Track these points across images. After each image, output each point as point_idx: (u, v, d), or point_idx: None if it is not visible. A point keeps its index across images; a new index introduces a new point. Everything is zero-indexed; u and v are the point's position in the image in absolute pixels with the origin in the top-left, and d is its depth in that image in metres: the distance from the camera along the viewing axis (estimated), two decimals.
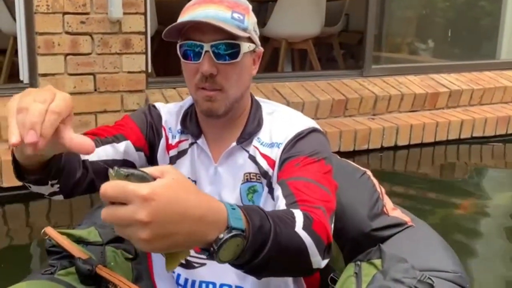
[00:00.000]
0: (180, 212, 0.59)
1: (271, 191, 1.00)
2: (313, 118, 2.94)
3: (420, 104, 3.29)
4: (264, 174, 1.02)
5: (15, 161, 0.82)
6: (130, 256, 1.18)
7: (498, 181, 2.87)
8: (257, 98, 1.10)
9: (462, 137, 3.20)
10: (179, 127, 1.09)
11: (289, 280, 1.03)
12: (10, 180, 2.24)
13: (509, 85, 3.56)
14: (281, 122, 1.04)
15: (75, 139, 0.68)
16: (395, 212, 1.25)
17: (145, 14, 2.66)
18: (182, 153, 1.08)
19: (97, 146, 0.96)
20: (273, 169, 1.00)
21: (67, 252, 1.13)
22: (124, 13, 2.54)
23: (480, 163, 3.14)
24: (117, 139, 1.02)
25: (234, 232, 0.64)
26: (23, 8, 2.55)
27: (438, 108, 3.33)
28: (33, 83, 2.59)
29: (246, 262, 0.70)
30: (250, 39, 0.98)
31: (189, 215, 0.60)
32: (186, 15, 0.98)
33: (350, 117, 3.06)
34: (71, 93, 2.48)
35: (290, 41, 3.55)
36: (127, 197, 0.57)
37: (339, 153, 2.82)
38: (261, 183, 1.03)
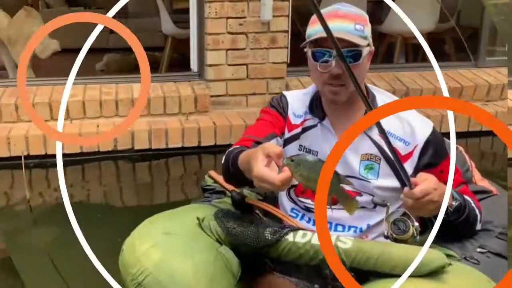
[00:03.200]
0: (441, 192, 1.14)
1: (394, 172, 1.25)
2: None
3: None
4: (388, 159, 1.25)
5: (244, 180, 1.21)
6: (261, 198, 1.46)
7: None
8: (368, 85, 1.32)
9: None
10: (304, 109, 1.34)
11: None
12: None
13: None
14: (405, 119, 1.25)
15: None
16: (483, 182, 1.51)
17: (288, 16, 3.18)
18: (306, 129, 1.33)
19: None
20: (404, 161, 1.21)
21: (224, 188, 1.44)
22: (273, 16, 3.08)
23: None
24: (267, 139, 1.29)
25: (457, 202, 1.19)
26: (196, 15, 3.22)
27: None
28: (201, 72, 3.27)
29: (447, 217, 1.18)
30: (368, 44, 1.22)
31: (442, 189, 1.14)
32: (316, 27, 1.20)
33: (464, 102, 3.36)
34: (229, 80, 3.18)
35: (406, 36, 3.88)
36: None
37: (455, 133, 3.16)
38: (378, 163, 1.26)
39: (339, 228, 1.32)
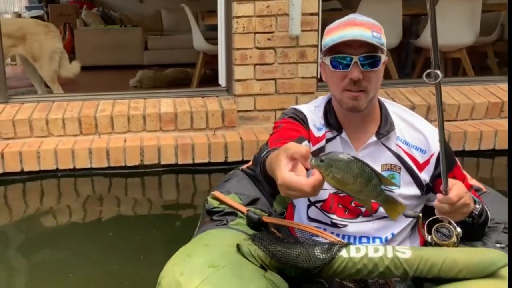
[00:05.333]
0: (469, 195, 1.18)
1: (413, 180, 1.28)
2: (468, 119, 3.14)
3: None
4: (407, 168, 1.28)
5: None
6: (266, 214, 1.42)
7: None
8: (379, 97, 1.33)
9: None
10: (322, 121, 1.33)
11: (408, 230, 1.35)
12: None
13: None
14: (418, 129, 1.29)
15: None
16: (472, 181, 1.54)
17: (317, 30, 3.13)
18: (328, 141, 1.33)
19: None
20: (419, 171, 1.27)
21: (235, 208, 1.39)
22: (302, 31, 3.04)
23: None
24: (300, 141, 1.26)
25: (480, 205, 1.23)
26: (224, 30, 3.23)
27: None
28: (229, 87, 3.25)
29: (472, 220, 1.22)
30: (383, 52, 1.24)
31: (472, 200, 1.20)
32: (334, 35, 1.22)
33: (505, 118, 3.16)
34: (257, 95, 3.14)
35: (444, 50, 3.76)
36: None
37: (494, 150, 2.99)
38: (399, 173, 1.29)
39: (364, 240, 1.31)
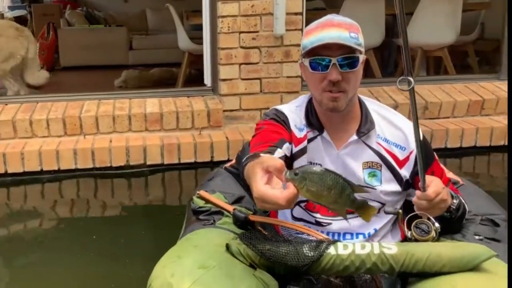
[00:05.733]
0: (447, 191, 1.22)
1: (394, 177, 1.31)
2: (450, 117, 3.19)
3: None
4: (388, 165, 1.31)
5: None
6: (251, 213, 1.43)
7: None
8: (358, 95, 1.35)
9: None
10: (304, 121, 1.34)
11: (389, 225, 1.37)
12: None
13: None
14: (397, 126, 1.31)
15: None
16: (450, 174, 1.60)
17: (302, 30, 3.13)
18: (310, 141, 1.33)
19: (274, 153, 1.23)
20: (400, 167, 1.29)
21: (221, 208, 1.41)
22: (287, 30, 3.06)
23: None
24: (281, 144, 1.27)
25: (457, 200, 1.27)
26: (209, 30, 3.24)
27: None
28: (214, 86, 3.27)
29: (450, 215, 1.25)
30: (361, 52, 1.24)
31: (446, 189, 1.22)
32: (312, 37, 1.23)
33: (486, 116, 3.23)
34: (242, 94, 3.15)
35: (426, 49, 3.81)
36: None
37: (475, 147, 3.06)
38: (380, 170, 1.31)
39: (348, 236, 1.34)
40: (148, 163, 2.86)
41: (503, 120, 3.16)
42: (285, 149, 1.27)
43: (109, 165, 2.82)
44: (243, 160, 1.20)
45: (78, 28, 6.20)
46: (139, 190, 2.77)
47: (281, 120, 1.34)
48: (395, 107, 3.09)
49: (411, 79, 1.11)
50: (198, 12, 3.36)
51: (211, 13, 3.17)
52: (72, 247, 2.10)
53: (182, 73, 4.21)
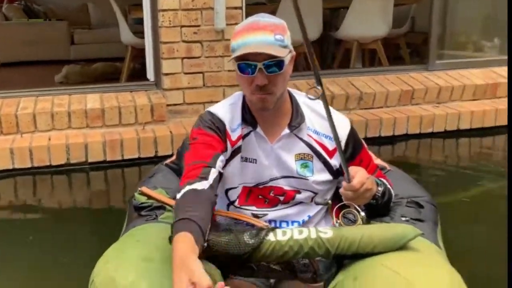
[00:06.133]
0: (372, 180, 1.29)
1: (325, 166, 1.36)
2: (383, 107, 3.37)
3: (481, 93, 3.56)
4: (319, 156, 1.35)
5: None
6: None
7: None
8: (289, 89, 1.38)
9: None
10: (238, 121, 1.34)
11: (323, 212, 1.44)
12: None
13: None
14: (324, 117, 1.29)
15: None
16: (378, 161, 1.69)
17: None
18: (244, 137, 1.35)
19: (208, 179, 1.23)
20: (330, 157, 1.34)
21: (163, 202, 1.42)
22: (227, 24, 3.10)
23: None
24: (214, 162, 1.27)
25: (382, 187, 1.34)
26: (150, 24, 3.22)
27: (499, 97, 3.57)
28: (157, 81, 3.25)
29: (376, 201, 1.32)
30: (289, 51, 1.26)
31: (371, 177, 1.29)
32: (239, 40, 1.24)
33: (416, 105, 3.42)
34: (185, 88, 3.18)
35: (361, 42, 3.98)
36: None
37: (406, 135, 3.25)
38: (312, 161, 1.35)
39: (284, 224, 1.40)
40: (90, 160, 2.83)
41: (431, 109, 3.38)
42: (219, 165, 1.29)
43: (48, 163, 2.77)
44: (174, 218, 1.15)
45: (16, 23, 5.94)
46: (81, 189, 2.73)
47: (216, 127, 1.35)
48: (332, 98, 3.23)
49: (319, 88, 1.18)
50: (140, 6, 3.34)
51: (152, 7, 3.16)
52: (10, 247, 2.06)
53: (126, 68, 4.16)
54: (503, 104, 3.48)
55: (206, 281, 0.96)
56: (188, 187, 1.20)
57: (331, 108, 1.40)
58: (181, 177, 1.27)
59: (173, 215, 1.18)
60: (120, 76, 4.22)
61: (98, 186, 2.79)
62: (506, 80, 3.61)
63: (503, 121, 3.39)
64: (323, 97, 1.20)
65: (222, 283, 1.00)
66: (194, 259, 1.01)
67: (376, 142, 3.10)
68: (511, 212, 1.44)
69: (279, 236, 1.19)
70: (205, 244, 1.13)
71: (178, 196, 1.20)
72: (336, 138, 1.25)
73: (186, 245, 1.04)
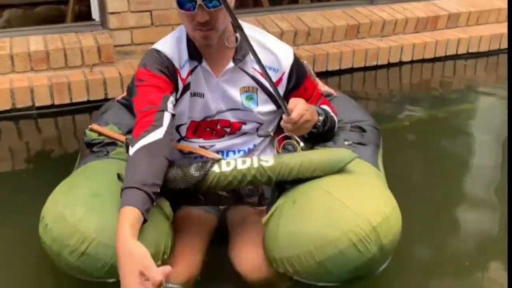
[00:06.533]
0: (311, 110, 1.33)
1: (269, 98, 1.41)
2: (330, 41, 3.42)
3: (422, 26, 3.67)
4: (263, 88, 1.39)
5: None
6: None
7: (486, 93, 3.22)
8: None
9: (459, 53, 3.61)
10: (185, 56, 1.34)
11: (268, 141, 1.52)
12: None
13: (504, 6, 3.88)
14: (270, 49, 1.37)
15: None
16: (325, 87, 1.77)
17: None
18: (191, 72, 1.37)
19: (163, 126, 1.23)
20: (275, 86, 1.32)
21: (114, 138, 1.46)
22: None
23: (474, 75, 3.55)
24: (165, 104, 1.26)
25: (323, 116, 1.39)
26: None
27: (438, 29, 3.70)
28: (103, 20, 3.16)
29: (317, 130, 1.38)
30: None
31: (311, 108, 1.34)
32: None
33: (362, 39, 3.50)
34: (133, 28, 3.11)
35: None
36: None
37: (352, 69, 3.37)
38: (256, 93, 1.40)
39: (231, 154, 1.47)
40: (37, 105, 2.78)
41: (376, 42, 3.47)
42: (170, 107, 1.28)
43: None
44: (125, 178, 1.14)
45: None
46: (29, 134, 2.67)
47: (165, 67, 1.33)
48: (281, 34, 3.26)
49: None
50: None
51: None
52: None
53: (70, 10, 3.97)
54: (442, 36, 3.61)
55: (157, 273, 0.98)
56: (141, 142, 1.19)
57: (274, 37, 1.45)
58: (135, 124, 1.26)
59: (125, 171, 1.16)
60: (64, 19, 4.04)
61: (47, 131, 2.74)
62: (446, 13, 3.72)
63: (442, 52, 3.56)
64: (245, 40, 1.23)
65: (169, 267, 1.02)
66: (138, 246, 1.02)
67: (324, 76, 3.20)
68: (511, 211, 1.46)
69: (223, 167, 1.25)
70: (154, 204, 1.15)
71: (131, 152, 1.19)
72: (269, 79, 1.28)
73: (129, 230, 1.03)
